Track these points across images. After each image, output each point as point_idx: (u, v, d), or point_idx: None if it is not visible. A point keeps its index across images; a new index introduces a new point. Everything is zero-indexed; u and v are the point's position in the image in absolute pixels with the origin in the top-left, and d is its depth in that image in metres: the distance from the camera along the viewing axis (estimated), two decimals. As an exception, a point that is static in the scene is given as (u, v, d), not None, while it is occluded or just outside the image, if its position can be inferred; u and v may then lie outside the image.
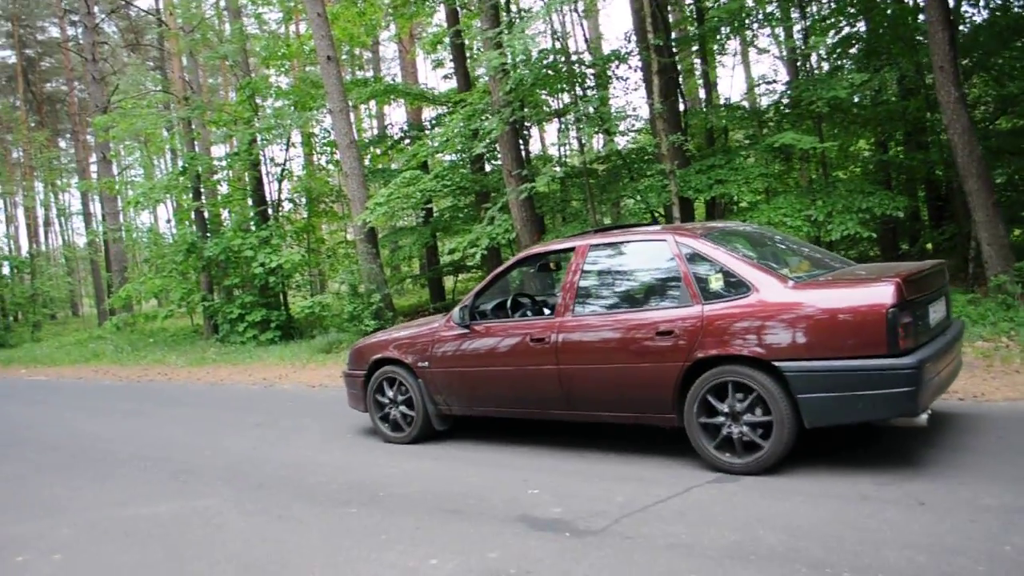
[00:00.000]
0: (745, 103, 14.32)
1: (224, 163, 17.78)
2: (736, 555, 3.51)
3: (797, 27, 13.20)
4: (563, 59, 10.91)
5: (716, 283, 4.66)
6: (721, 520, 3.94)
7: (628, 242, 5.40)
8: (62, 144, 41.08)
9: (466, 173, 13.46)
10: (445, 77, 19.52)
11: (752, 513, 4.00)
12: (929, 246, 13.58)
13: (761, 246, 5.36)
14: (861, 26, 11.96)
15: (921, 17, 10.53)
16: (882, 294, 4.15)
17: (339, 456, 6.12)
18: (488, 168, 14.63)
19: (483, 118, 11.79)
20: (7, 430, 8.88)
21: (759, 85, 14.24)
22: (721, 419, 4.60)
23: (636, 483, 4.65)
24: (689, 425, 4.72)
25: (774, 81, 13.49)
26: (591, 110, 10.12)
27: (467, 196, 14.64)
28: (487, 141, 10.62)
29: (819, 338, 4.28)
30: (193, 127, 17.38)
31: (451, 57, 16.93)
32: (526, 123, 12.23)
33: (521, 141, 11.89)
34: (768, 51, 17.79)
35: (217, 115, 17.73)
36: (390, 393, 6.26)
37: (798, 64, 15.66)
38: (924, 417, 4.30)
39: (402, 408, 6.20)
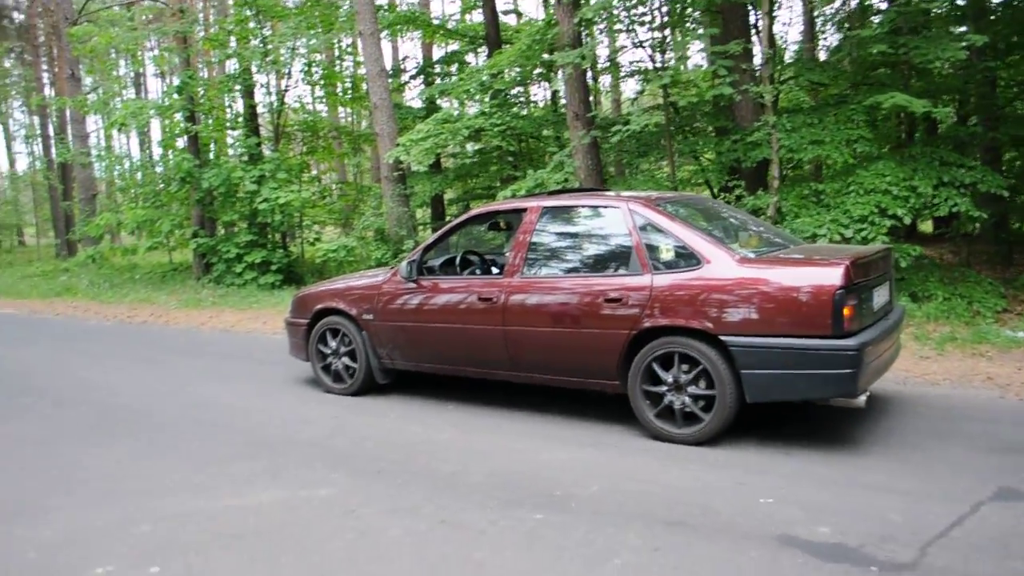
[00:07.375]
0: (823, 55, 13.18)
1: (222, 85, 16.00)
2: None
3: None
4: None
5: (667, 253, 4.67)
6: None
7: (581, 207, 5.34)
8: (7, 64, 37.96)
9: (517, 112, 12.14)
10: (464, 11, 18.08)
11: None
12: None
13: (713, 219, 5.37)
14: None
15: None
16: (831, 276, 4.15)
17: (456, 435, 4.98)
18: (525, 112, 13.33)
19: (533, 56, 10.54)
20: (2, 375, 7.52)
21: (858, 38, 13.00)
22: (664, 389, 4.59)
23: (895, 496, 3.66)
24: (632, 392, 4.73)
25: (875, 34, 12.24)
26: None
27: (508, 140, 13.29)
28: (563, 76, 9.38)
29: (766, 315, 4.26)
30: (187, 44, 15.62)
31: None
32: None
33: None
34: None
35: (219, 32, 15.96)
36: (333, 343, 6.15)
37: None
38: (863, 399, 4.29)
39: (344, 359, 6.09)
